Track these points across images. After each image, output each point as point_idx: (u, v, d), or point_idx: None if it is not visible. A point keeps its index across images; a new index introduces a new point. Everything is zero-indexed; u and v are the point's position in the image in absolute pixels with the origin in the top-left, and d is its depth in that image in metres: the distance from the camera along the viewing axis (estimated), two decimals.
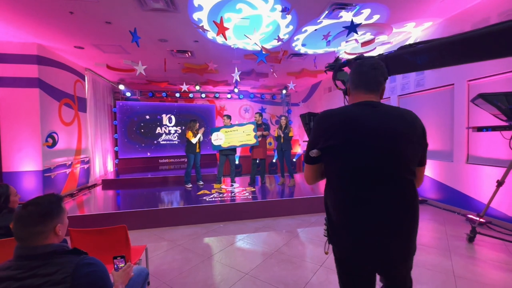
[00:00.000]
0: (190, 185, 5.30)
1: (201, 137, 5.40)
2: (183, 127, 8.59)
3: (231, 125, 5.62)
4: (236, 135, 5.53)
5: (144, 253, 2.18)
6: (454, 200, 4.11)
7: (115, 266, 1.40)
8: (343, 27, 3.79)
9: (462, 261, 2.57)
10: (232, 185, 5.39)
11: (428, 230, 3.46)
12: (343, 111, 1.07)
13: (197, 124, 5.33)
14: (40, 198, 1.04)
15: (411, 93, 4.96)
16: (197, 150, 5.34)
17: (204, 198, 4.32)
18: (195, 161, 5.39)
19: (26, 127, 4.76)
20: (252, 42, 4.21)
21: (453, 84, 4.12)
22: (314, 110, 9.21)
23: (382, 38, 4.90)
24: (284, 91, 9.38)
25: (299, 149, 9.52)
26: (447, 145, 4.31)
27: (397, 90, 5.31)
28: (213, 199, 4.24)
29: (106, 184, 6.11)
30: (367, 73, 1.09)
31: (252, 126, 5.56)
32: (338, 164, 1.03)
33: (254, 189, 4.97)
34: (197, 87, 8.41)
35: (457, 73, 4.02)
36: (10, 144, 4.69)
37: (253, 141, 5.52)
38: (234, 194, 4.61)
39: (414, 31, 4.71)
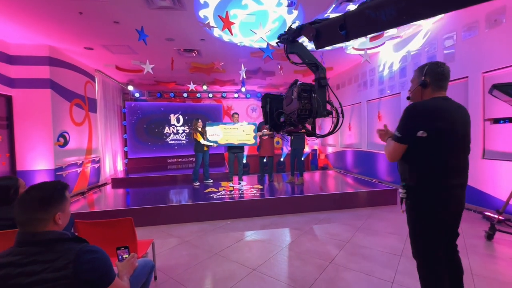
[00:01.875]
0: (198, 183, 5.31)
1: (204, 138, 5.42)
2: (191, 125, 8.64)
3: (232, 123, 5.67)
4: (235, 133, 5.54)
5: (151, 247, 2.17)
6: (470, 197, 3.95)
7: (119, 257, 1.38)
8: None
9: (480, 259, 2.46)
10: (239, 183, 5.36)
11: None
12: (437, 103, 1.39)
13: (200, 122, 5.33)
14: (44, 183, 1.04)
15: None
16: (205, 149, 5.35)
17: (211, 195, 4.31)
18: (204, 159, 5.39)
19: (38, 127, 4.88)
20: (257, 38, 4.16)
21: (467, 77, 3.97)
22: None
23: (391, 31, 4.79)
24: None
25: (307, 148, 9.41)
26: None
27: (408, 85, 5.16)
28: (221, 196, 4.23)
29: (116, 182, 6.20)
30: (448, 76, 1.45)
31: (253, 127, 5.60)
32: (436, 143, 1.34)
33: (261, 187, 4.93)
34: (204, 87, 8.45)
35: (472, 66, 3.87)
36: (24, 143, 4.81)
37: (251, 141, 5.55)
38: (242, 191, 4.58)
39: (424, 24, 4.58)
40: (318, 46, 1.41)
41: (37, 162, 4.90)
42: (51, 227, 0.98)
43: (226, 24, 3.29)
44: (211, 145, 5.40)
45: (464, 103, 4.04)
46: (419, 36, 4.84)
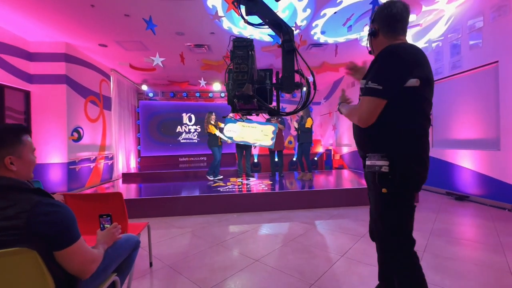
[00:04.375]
0: (212, 178, 5.18)
1: (222, 132, 5.27)
2: (202, 127, 8.62)
3: (251, 121, 5.40)
4: (252, 132, 5.30)
5: (146, 231, 2.05)
6: (503, 194, 3.52)
7: (101, 225, 1.26)
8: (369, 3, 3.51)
9: None
10: (248, 179, 5.19)
11: (472, 226, 2.97)
12: (411, 46, 1.12)
13: (213, 115, 5.21)
14: (2, 124, 0.93)
15: (445, 77, 4.46)
16: (219, 143, 5.21)
17: (218, 189, 4.17)
18: (217, 154, 5.23)
19: (53, 121, 5.01)
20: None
21: (497, 62, 3.61)
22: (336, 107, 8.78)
23: (410, 18, 4.49)
24: (304, 89, 9.09)
25: (320, 148, 9.10)
26: (492, 132, 3.75)
27: None
28: (228, 190, 4.07)
29: (126, 177, 6.24)
30: (403, 16, 1.16)
31: (272, 128, 5.27)
32: (417, 97, 1.08)
33: (271, 182, 4.73)
34: (216, 84, 8.39)
35: (502, 49, 3.51)
36: (39, 137, 4.95)
37: (269, 143, 5.23)
38: (250, 186, 4.40)
39: (447, 8, 4.26)
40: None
41: (51, 155, 5.01)
42: (2, 172, 0.87)
43: (231, 5, 3.19)
44: (225, 140, 5.25)
45: (493, 92, 3.68)
46: (440, 23, 4.52)
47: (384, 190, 1.08)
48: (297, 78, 1.36)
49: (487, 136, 3.84)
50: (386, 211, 1.13)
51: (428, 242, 2.46)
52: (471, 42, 3.97)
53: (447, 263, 2.05)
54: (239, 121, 5.35)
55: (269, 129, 5.30)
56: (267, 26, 1.37)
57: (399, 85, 1.05)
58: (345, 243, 2.50)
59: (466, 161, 4.09)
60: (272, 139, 5.24)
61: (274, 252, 2.33)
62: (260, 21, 1.36)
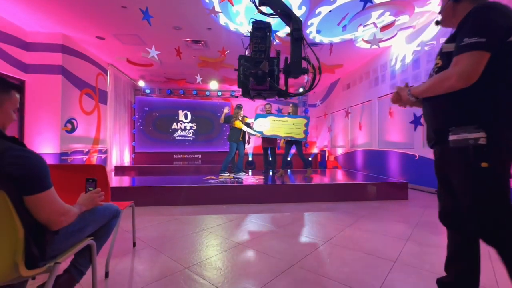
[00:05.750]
0: (227, 174, 5.04)
1: (250, 127, 5.18)
2: (198, 124, 8.64)
3: (282, 115, 5.38)
4: (283, 126, 5.21)
5: (130, 211, 2.05)
6: None
7: (86, 189, 1.28)
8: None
9: None
10: (240, 173, 5.18)
11: None
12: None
13: (242, 111, 5.13)
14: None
15: None
16: (241, 139, 5.15)
17: (209, 181, 4.17)
18: (239, 150, 5.17)
19: (47, 111, 5.00)
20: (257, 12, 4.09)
21: None
22: (332, 109, 8.87)
23: (403, 19, 4.59)
24: (300, 89, 9.18)
25: (315, 149, 9.14)
26: None
27: (421, 77, 4.90)
28: (218, 182, 4.07)
29: (118, 169, 6.22)
30: None
31: (304, 121, 5.20)
32: None
33: (263, 177, 4.74)
34: (213, 82, 8.42)
35: None
36: (32, 127, 4.93)
37: (301, 135, 5.14)
38: (241, 179, 4.40)
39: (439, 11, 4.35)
40: None
41: (44, 145, 4.99)
42: None
43: None
44: (254, 134, 5.24)
45: None
46: (432, 25, 4.61)
47: (484, 164, 0.94)
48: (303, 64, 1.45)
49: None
50: (487, 187, 0.98)
51: (412, 232, 2.47)
52: None
53: (430, 249, 2.06)
54: (269, 115, 5.33)
55: (301, 122, 5.23)
56: (277, 16, 1.45)
57: (504, 37, 0.93)
58: (331, 231, 2.50)
59: None
60: (305, 132, 5.17)
61: (259, 238, 2.34)
62: (271, 11, 1.45)
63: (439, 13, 1.23)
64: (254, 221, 2.87)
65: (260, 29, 1.20)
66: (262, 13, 1.39)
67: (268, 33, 1.25)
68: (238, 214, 3.17)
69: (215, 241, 2.24)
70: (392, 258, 1.90)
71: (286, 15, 1.31)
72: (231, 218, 2.97)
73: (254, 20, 1.27)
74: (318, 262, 1.83)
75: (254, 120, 5.30)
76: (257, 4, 1.39)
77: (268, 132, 5.21)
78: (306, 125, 5.20)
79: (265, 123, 5.24)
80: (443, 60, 1.08)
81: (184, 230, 2.52)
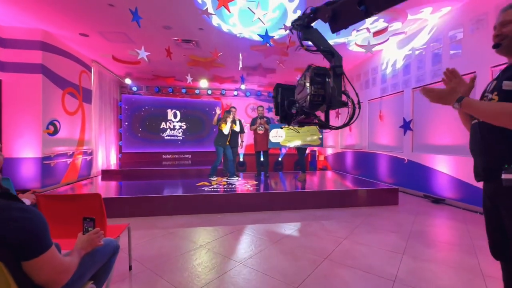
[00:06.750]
0: (215, 178, 4.98)
1: (238, 126, 5.07)
2: (187, 124, 8.45)
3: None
4: (299, 134, 5.24)
5: (126, 233, 1.96)
6: (475, 198, 3.72)
7: (84, 229, 1.19)
8: None
9: (489, 259, 2.22)
10: (233, 178, 5.14)
11: (448, 228, 3.11)
12: None
13: (231, 114, 4.99)
14: None
15: (427, 84, 4.64)
16: (227, 143, 5.02)
17: (202, 188, 4.09)
18: (226, 154, 5.06)
19: (27, 113, 4.70)
20: (255, 18, 3.98)
21: (474, 72, 3.79)
22: None
23: (396, 25, 4.63)
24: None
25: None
26: (466, 138, 3.93)
27: (411, 83, 4.99)
28: (212, 189, 4.01)
29: (106, 174, 6.00)
30: None
31: (317, 126, 5.24)
32: None
33: (256, 183, 4.72)
34: (203, 81, 8.25)
35: (479, 60, 3.70)
36: (11, 130, 4.63)
37: (317, 142, 5.20)
38: (235, 186, 4.36)
39: (430, 18, 4.42)
40: (335, 28, 1.25)
41: (24, 149, 4.70)
42: None
43: (221, 1, 3.13)
44: (273, 146, 5.23)
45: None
46: (424, 32, 4.69)
47: None
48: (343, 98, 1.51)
49: (462, 142, 4.03)
50: None
51: (407, 244, 2.54)
52: (451, 52, 4.14)
53: (425, 265, 2.13)
54: (283, 125, 5.27)
55: (315, 128, 5.23)
56: (319, 52, 1.47)
57: None
58: (329, 245, 2.53)
59: (443, 165, 4.29)
60: (320, 138, 5.22)
61: (258, 255, 2.32)
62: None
63: (497, 36, 1.14)
64: (251, 234, 2.85)
65: (320, 75, 1.26)
66: (307, 49, 1.41)
67: (327, 79, 1.31)
68: (233, 225, 3.14)
69: (215, 260, 2.20)
70: (391, 276, 1.94)
71: (329, 52, 1.35)
72: (227, 231, 2.93)
73: (314, 66, 1.32)
74: (320, 284, 1.84)
75: (270, 131, 5.26)
76: (301, 39, 1.40)
77: (284, 142, 5.23)
78: (321, 131, 5.24)
79: (280, 134, 5.24)
80: (501, 97, 1.04)
81: (181, 247, 2.46)
